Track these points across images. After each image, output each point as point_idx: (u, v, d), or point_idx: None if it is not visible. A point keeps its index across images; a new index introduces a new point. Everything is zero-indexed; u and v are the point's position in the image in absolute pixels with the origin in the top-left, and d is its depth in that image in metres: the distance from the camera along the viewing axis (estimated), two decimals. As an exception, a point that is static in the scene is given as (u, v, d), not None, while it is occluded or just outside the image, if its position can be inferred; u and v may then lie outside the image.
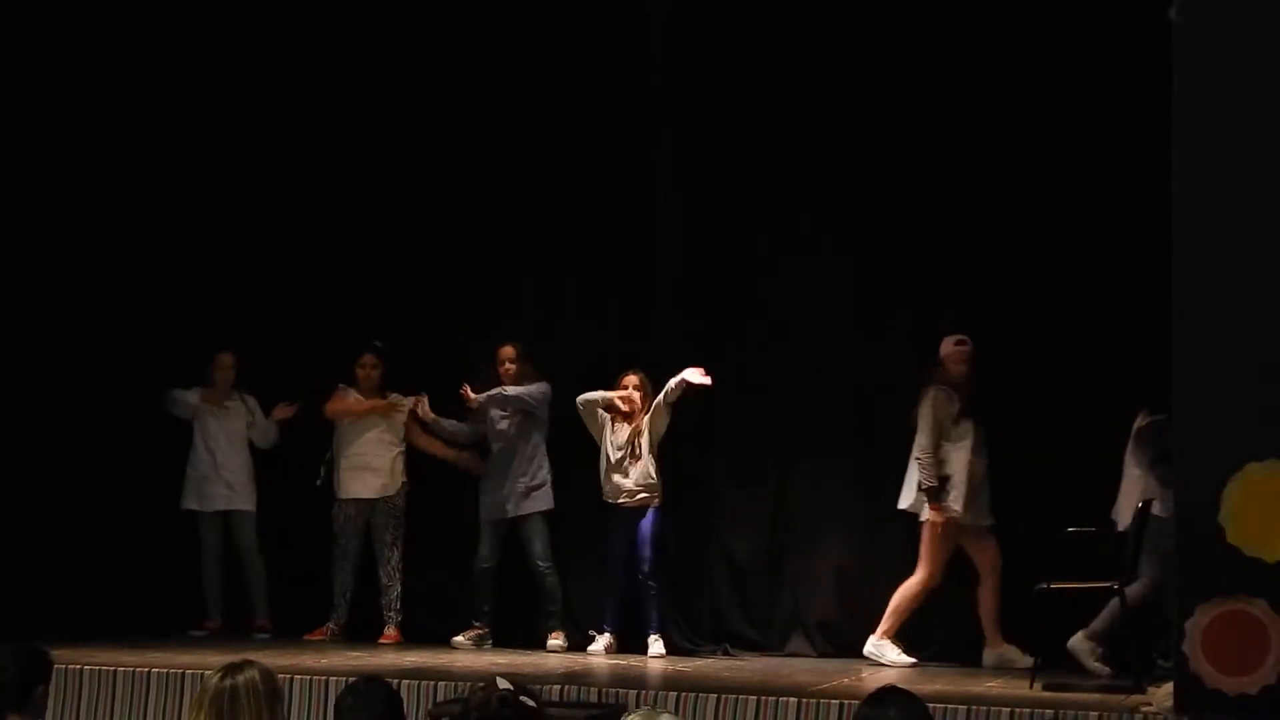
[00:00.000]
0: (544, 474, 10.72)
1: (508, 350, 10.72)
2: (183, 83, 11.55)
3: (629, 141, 10.92)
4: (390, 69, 11.45)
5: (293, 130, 11.58)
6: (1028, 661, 9.12)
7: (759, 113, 10.79)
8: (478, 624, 10.64)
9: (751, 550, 10.65)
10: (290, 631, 11.01)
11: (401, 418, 11.06)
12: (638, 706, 7.74)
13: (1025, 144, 10.19)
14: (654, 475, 10.42)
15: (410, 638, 10.87)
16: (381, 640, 10.79)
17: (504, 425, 10.72)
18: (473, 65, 11.29)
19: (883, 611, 10.26)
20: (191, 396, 11.24)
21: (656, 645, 10.23)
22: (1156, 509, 8.97)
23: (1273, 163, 7.63)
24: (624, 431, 10.44)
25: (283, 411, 11.27)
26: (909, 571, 10.25)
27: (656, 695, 8.24)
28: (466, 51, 11.32)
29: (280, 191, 11.61)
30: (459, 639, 10.57)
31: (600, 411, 10.51)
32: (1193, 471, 7.64)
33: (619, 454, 10.43)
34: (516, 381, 10.68)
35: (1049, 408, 10.02)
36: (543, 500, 10.70)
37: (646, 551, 10.35)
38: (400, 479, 11.01)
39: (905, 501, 9.90)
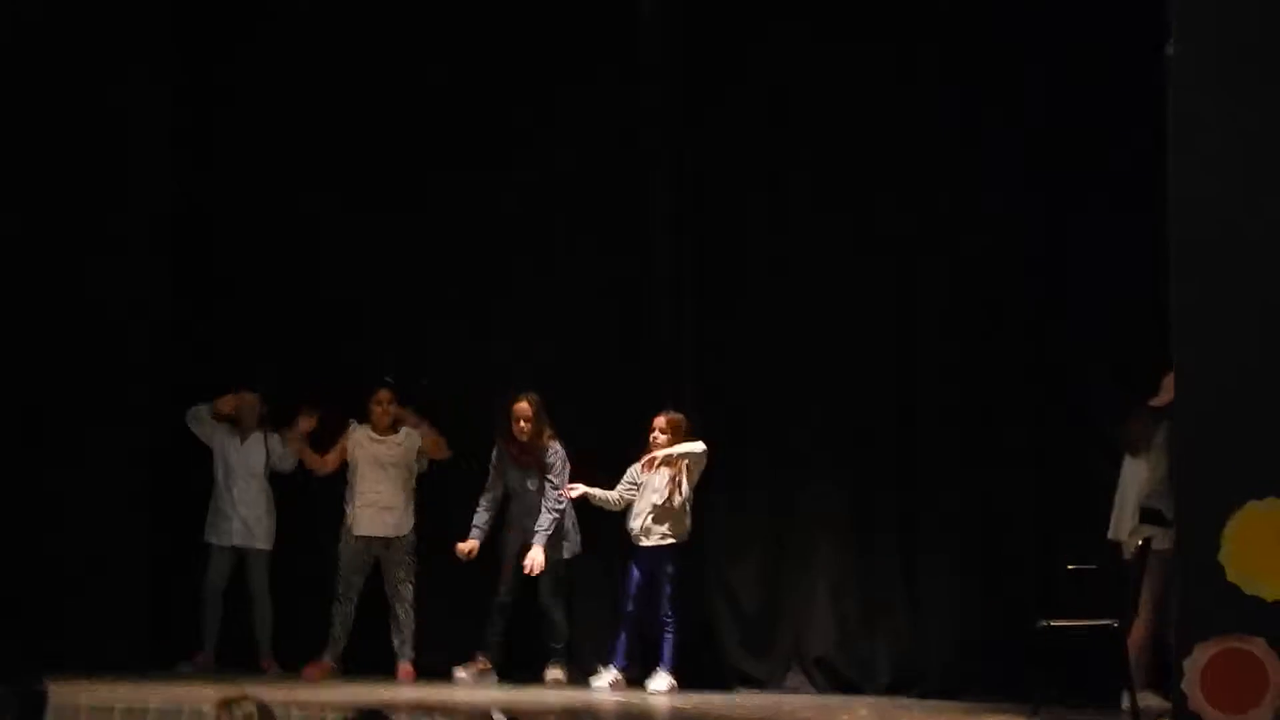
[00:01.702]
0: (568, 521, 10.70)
1: (523, 408, 10.56)
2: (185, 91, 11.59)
3: (625, 148, 11.00)
4: (383, 80, 11.45)
5: (286, 133, 11.60)
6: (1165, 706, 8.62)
7: (755, 122, 10.83)
8: (484, 656, 10.58)
9: (750, 585, 10.63)
10: (285, 665, 10.97)
11: (413, 454, 11.03)
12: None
13: (1030, 162, 10.18)
14: (687, 520, 10.40)
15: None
16: (400, 677, 10.72)
17: (532, 487, 10.68)
18: (465, 76, 11.32)
19: (878, 646, 10.28)
20: (213, 426, 11.18)
21: (661, 681, 10.20)
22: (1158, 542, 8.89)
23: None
24: (663, 477, 10.40)
25: (306, 423, 11.18)
26: (908, 608, 10.25)
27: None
28: (459, 61, 11.35)
29: (275, 205, 11.56)
30: (461, 673, 10.53)
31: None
32: (1193, 509, 7.63)
33: (658, 500, 10.39)
34: (531, 440, 10.56)
35: (1044, 434, 10.04)
36: (568, 548, 10.69)
37: (668, 588, 10.34)
38: (412, 517, 10.99)
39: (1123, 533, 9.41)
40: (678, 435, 10.39)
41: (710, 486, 10.53)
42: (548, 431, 10.62)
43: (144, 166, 11.26)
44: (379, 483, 10.96)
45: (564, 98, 11.15)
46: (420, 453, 11.04)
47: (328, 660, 10.88)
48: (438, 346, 11.26)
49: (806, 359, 10.62)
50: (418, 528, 11.01)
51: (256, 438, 11.21)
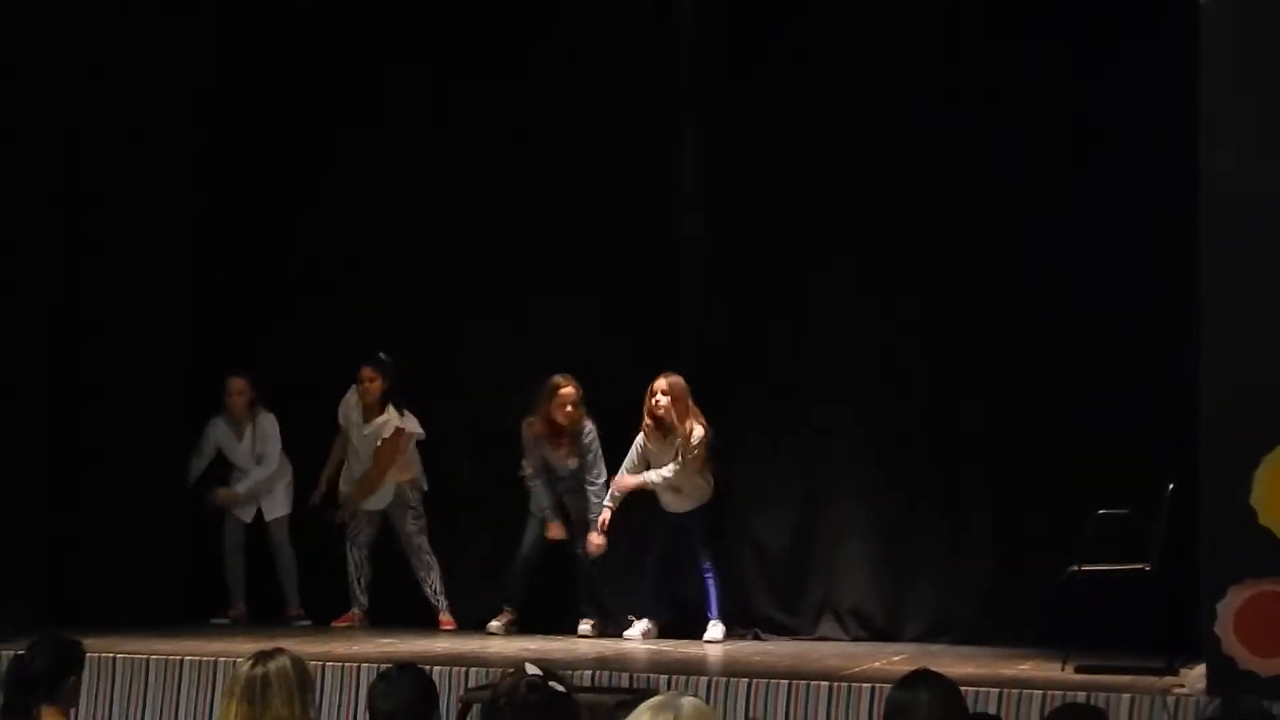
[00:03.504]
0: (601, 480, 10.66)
1: (569, 392, 10.46)
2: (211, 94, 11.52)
3: (650, 141, 10.93)
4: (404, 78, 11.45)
5: (304, 117, 11.58)
6: None
7: (782, 112, 10.77)
8: (510, 608, 10.63)
9: (781, 534, 10.63)
10: (316, 620, 11.02)
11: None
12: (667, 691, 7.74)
13: (1057, 138, 10.18)
14: (706, 483, 10.36)
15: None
16: (443, 628, 10.72)
17: (573, 466, 10.62)
18: (488, 65, 11.29)
19: (912, 595, 10.29)
20: (207, 447, 11.18)
21: (716, 630, 10.21)
22: None
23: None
24: (669, 452, 10.28)
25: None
26: (941, 556, 10.26)
27: (686, 680, 8.24)
28: (483, 51, 11.30)
29: (292, 186, 11.58)
30: (494, 625, 10.56)
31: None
32: (1223, 453, 7.62)
33: (668, 473, 10.29)
34: (574, 424, 10.48)
35: (1078, 387, 10.03)
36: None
37: (699, 543, 10.33)
38: (407, 474, 10.96)
39: None
40: (679, 402, 10.22)
41: (740, 436, 10.53)
42: (583, 411, 10.56)
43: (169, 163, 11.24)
44: (367, 462, 10.95)
45: (590, 81, 11.08)
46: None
47: (355, 612, 10.95)
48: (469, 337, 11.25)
49: (838, 308, 10.60)
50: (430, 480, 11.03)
51: (249, 429, 11.17)
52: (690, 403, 10.26)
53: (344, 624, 10.90)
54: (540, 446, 10.58)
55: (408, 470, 10.96)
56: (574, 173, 11.11)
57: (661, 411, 10.22)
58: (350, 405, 11.00)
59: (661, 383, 10.22)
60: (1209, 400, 7.69)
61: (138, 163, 10.89)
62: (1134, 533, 9.04)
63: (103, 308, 10.83)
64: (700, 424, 10.26)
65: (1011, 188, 10.18)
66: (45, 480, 10.37)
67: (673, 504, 10.38)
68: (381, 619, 10.94)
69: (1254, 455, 7.49)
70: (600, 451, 10.57)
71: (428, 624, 10.77)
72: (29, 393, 10.18)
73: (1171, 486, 8.88)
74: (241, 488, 11.14)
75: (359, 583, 11.03)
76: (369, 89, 11.46)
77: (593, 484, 10.53)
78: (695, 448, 10.20)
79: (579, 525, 10.60)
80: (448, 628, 10.76)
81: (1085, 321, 10.00)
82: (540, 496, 10.63)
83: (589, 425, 10.55)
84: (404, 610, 10.91)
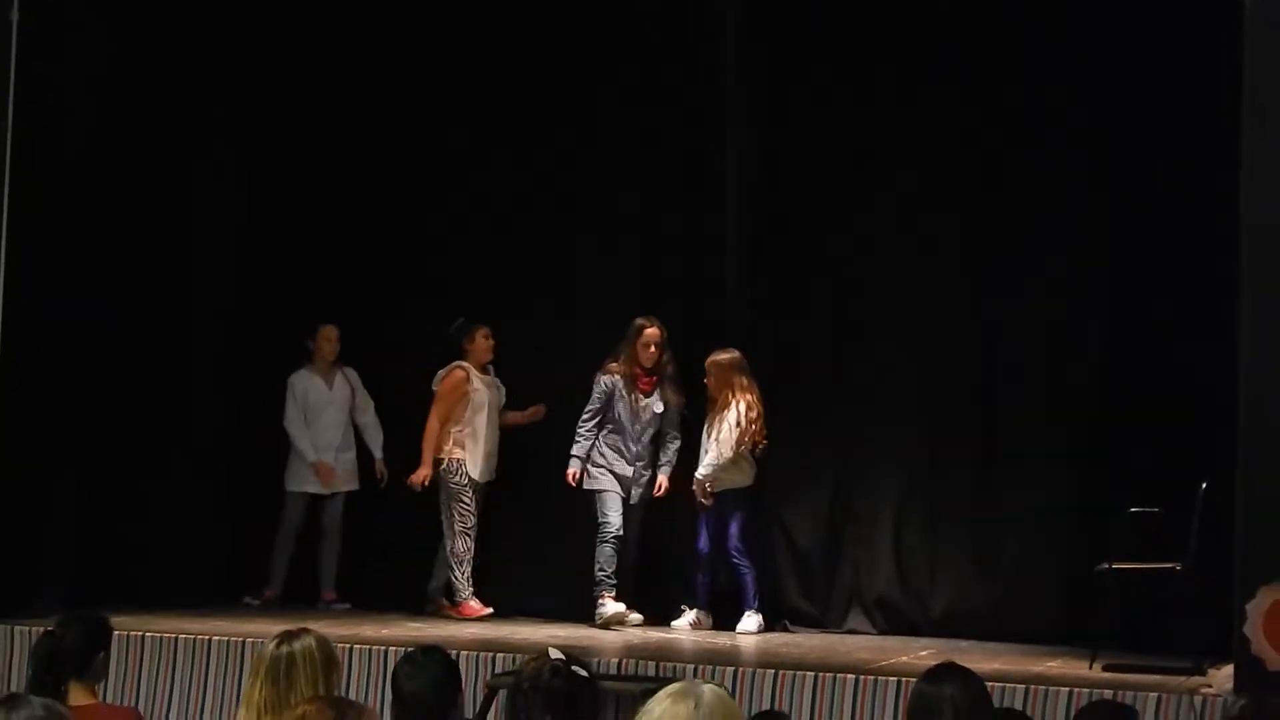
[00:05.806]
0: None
1: (654, 333, 10.43)
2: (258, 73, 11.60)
3: (694, 121, 10.96)
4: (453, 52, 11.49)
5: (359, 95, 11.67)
6: None
7: (831, 99, 10.77)
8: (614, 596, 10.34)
9: (812, 526, 10.63)
10: (362, 606, 10.95)
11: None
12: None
13: (1093, 121, 10.13)
14: (749, 467, 10.35)
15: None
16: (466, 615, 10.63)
17: (658, 410, 10.58)
18: (537, 43, 11.33)
19: (941, 590, 10.27)
20: (297, 401, 11.04)
21: (750, 621, 10.20)
22: None
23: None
24: (724, 426, 10.30)
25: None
26: (970, 552, 10.23)
27: (713, 670, 8.25)
28: (531, 30, 11.35)
29: (347, 165, 11.66)
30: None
31: None
32: (1258, 452, 7.59)
33: (719, 448, 10.30)
34: (658, 365, 10.50)
35: (1112, 382, 10.00)
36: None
37: (735, 532, 10.29)
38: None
39: None
40: (722, 377, 10.29)
41: (771, 424, 10.50)
42: (668, 355, 10.57)
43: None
44: (490, 426, 10.75)
45: (635, 82, 11.13)
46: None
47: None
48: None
49: (875, 298, 10.60)
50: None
51: (338, 377, 11.13)
52: (740, 378, 10.29)
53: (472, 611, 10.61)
54: (617, 391, 10.52)
55: None
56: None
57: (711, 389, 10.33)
58: (474, 376, 10.74)
59: (709, 362, 10.35)
60: (1245, 399, 7.66)
61: (182, 154, 11.04)
62: (1165, 531, 9.01)
63: (144, 284, 10.89)
64: (746, 401, 10.28)
65: (1060, 189, 10.19)
66: (84, 457, 10.41)
67: (715, 484, 10.34)
68: (406, 603, 10.88)
69: (1287, 457, 7.47)
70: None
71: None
72: (65, 367, 10.22)
73: (1205, 485, 8.84)
74: (375, 448, 11.08)
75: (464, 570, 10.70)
76: (411, 68, 11.55)
77: (675, 440, 10.60)
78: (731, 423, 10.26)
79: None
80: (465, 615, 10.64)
81: (1121, 319, 9.96)
82: (584, 441, 10.47)
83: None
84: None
